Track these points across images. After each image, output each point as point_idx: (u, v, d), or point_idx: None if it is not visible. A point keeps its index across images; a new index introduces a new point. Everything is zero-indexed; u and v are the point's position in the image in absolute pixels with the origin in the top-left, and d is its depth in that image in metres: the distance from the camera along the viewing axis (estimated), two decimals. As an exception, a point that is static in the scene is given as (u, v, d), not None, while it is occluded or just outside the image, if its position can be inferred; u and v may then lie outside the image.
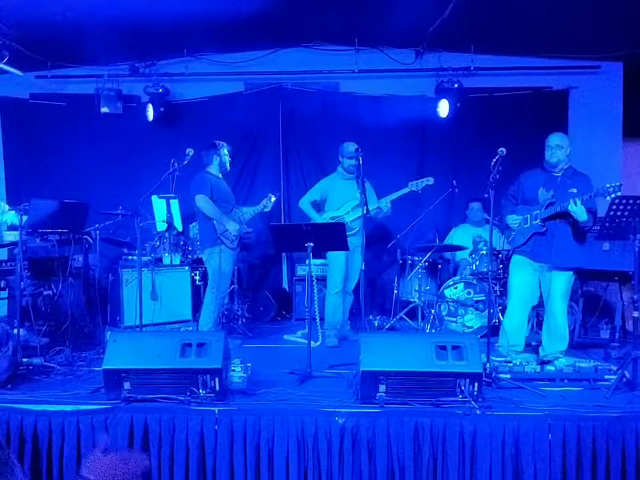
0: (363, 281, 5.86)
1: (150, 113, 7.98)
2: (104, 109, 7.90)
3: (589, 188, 5.27)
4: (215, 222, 6.13)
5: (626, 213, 4.57)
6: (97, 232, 6.31)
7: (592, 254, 6.16)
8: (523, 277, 5.50)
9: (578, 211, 5.06)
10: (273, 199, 6.46)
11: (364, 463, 3.96)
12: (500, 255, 6.70)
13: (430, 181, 6.47)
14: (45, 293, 5.92)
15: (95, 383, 4.59)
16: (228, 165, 6.40)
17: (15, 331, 4.94)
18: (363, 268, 5.80)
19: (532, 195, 5.45)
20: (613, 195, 4.86)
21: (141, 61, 8.11)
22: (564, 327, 5.46)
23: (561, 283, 5.39)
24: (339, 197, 6.51)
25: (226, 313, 6.92)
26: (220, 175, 6.37)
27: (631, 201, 4.54)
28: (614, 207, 4.58)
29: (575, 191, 5.30)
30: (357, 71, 8.06)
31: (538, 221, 5.36)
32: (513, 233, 5.53)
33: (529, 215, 5.43)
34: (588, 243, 6.06)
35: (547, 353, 5.38)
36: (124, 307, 6.64)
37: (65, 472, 4.00)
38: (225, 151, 6.33)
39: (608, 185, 4.91)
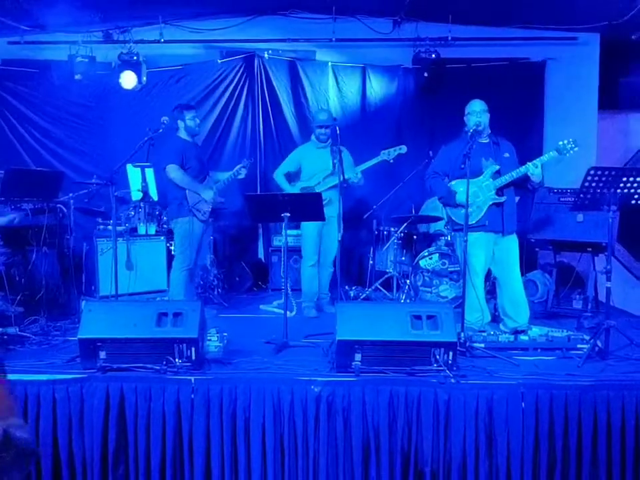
0: (339, 252, 5.87)
1: (130, 80, 7.80)
2: (77, 76, 7.75)
3: (513, 149, 5.46)
4: (187, 192, 6.03)
5: (600, 184, 4.59)
6: (72, 201, 6.23)
7: (566, 225, 6.23)
8: (482, 252, 5.42)
9: (538, 172, 5.17)
10: (244, 170, 6.34)
11: (339, 431, 4.00)
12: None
13: (402, 149, 6.42)
14: (18, 261, 5.85)
15: (70, 352, 4.57)
16: (196, 127, 6.23)
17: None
18: (340, 238, 5.80)
19: (473, 167, 5.11)
20: (571, 152, 5.08)
21: (116, 27, 7.96)
22: (524, 294, 5.53)
23: (515, 248, 5.45)
24: (312, 166, 6.44)
25: (202, 283, 6.90)
26: (190, 139, 6.21)
27: (606, 172, 4.56)
28: (589, 177, 4.61)
29: (507, 155, 5.38)
30: (334, 40, 7.99)
31: (492, 191, 5.34)
32: (463, 210, 5.13)
33: (477, 188, 5.31)
34: (562, 214, 6.15)
35: (519, 323, 5.40)
36: (99, 277, 6.60)
37: (41, 441, 3.99)
38: (190, 115, 6.15)
39: (565, 142, 5.12)
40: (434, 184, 5.61)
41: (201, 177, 6.19)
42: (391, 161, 6.43)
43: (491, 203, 5.35)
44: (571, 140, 5.08)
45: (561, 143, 5.12)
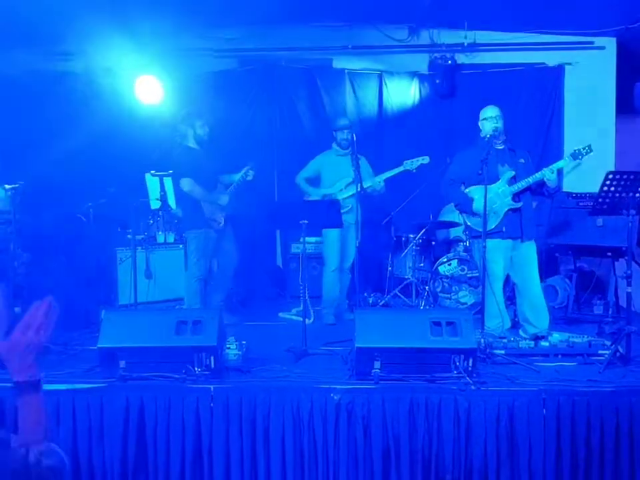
0: (357, 258, 5.86)
1: (150, 90, 7.83)
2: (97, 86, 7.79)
3: (528, 155, 5.44)
4: (202, 202, 6.03)
5: (619, 189, 4.57)
6: (91, 210, 6.28)
7: (586, 230, 6.18)
8: (501, 259, 5.40)
9: (555, 177, 5.15)
10: (252, 172, 6.28)
11: (359, 439, 3.99)
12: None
13: (425, 159, 6.42)
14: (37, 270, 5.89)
15: (90, 361, 4.59)
16: (205, 136, 6.18)
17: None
18: (358, 245, 5.79)
19: (490, 173, 5.11)
20: (586, 156, 5.05)
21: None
22: (544, 299, 5.50)
23: (533, 254, 5.42)
24: (333, 174, 6.47)
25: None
26: (198, 147, 6.16)
27: (624, 177, 4.54)
28: (607, 182, 4.58)
29: (523, 161, 5.35)
30: (350, 47, 8.00)
31: (509, 197, 5.33)
32: (479, 218, 5.19)
33: (493, 195, 5.28)
34: (581, 218, 6.10)
35: (540, 329, 5.35)
36: (118, 286, 6.63)
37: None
38: (200, 123, 6.13)
39: (580, 147, 5.09)
40: (450, 191, 5.62)
41: (212, 184, 6.19)
42: (414, 171, 6.42)
43: (507, 209, 5.33)
44: (586, 145, 5.05)
45: (576, 148, 5.10)
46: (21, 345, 1.79)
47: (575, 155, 5.12)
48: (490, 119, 5.37)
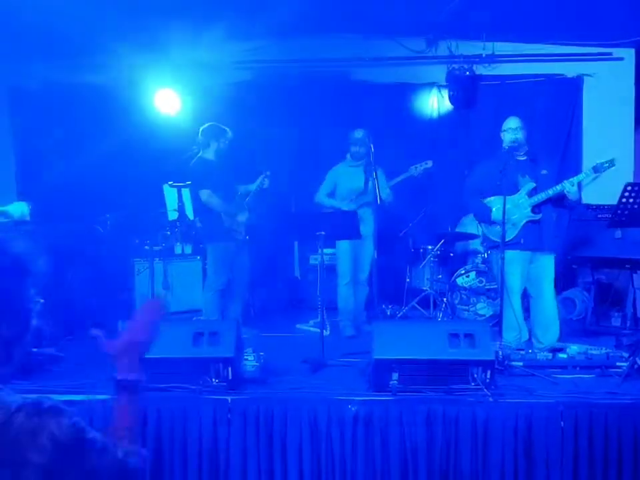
0: (375, 270, 5.85)
1: (170, 102, 7.92)
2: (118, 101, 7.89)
3: (553, 165, 5.41)
4: (222, 215, 6.06)
5: (638, 200, 4.55)
6: (109, 222, 6.33)
7: (604, 242, 6.14)
8: (518, 270, 5.37)
9: (575, 190, 5.09)
10: (267, 180, 6.29)
11: (377, 451, 3.97)
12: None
13: (428, 164, 6.42)
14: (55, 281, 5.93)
15: (107, 372, 4.60)
16: (225, 150, 6.23)
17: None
18: (376, 257, 5.79)
19: (507, 183, 5.13)
20: (608, 170, 4.98)
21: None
22: (556, 315, 5.46)
23: (550, 267, 5.39)
24: (346, 185, 6.47)
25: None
26: (215, 160, 6.18)
27: (643, 189, 4.52)
28: (626, 194, 4.57)
29: (545, 172, 5.31)
30: (368, 58, 8.02)
31: (528, 209, 5.31)
32: (498, 227, 5.22)
33: (512, 206, 5.25)
34: (600, 230, 6.06)
35: (544, 344, 5.32)
36: (136, 297, 6.67)
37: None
38: (224, 139, 6.19)
39: (602, 161, 5.04)
40: (470, 201, 5.62)
41: (230, 195, 6.22)
42: (418, 176, 6.42)
43: (526, 220, 5.31)
44: (609, 159, 5.01)
45: (598, 161, 5.05)
46: (131, 344, 1.80)
47: (597, 169, 5.07)
48: (510, 130, 5.36)
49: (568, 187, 5.08)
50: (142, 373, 1.80)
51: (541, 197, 5.24)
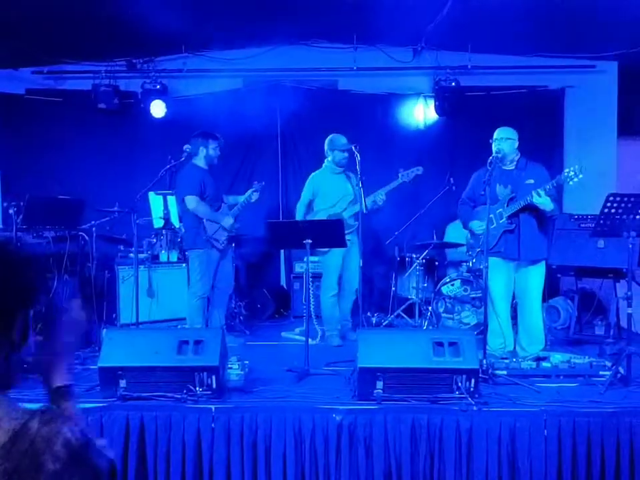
0: (360, 278, 5.87)
1: (158, 110, 7.94)
2: (100, 105, 7.90)
3: (545, 176, 5.34)
4: (205, 222, 6.04)
5: (620, 211, 4.58)
6: (94, 229, 6.30)
7: (587, 251, 6.19)
8: (502, 278, 5.43)
9: (544, 201, 5.09)
10: (256, 194, 6.27)
11: (361, 460, 3.97)
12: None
13: (419, 170, 6.39)
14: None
15: (90, 381, 4.56)
16: (215, 158, 6.24)
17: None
18: (361, 265, 5.79)
19: (491, 194, 5.14)
20: (575, 179, 4.98)
21: (138, 57, 8.10)
22: (541, 325, 5.50)
23: (535, 278, 5.41)
24: (330, 192, 6.42)
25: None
26: (206, 167, 6.20)
27: (625, 199, 4.56)
28: (608, 204, 4.59)
29: (532, 182, 5.30)
30: (355, 68, 8.07)
31: (504, 219, 5.34)
32: (481, 237, 5.36)
33: (492, 216, 5.31)
34: (583, 240, 6.10)
35: (528, 353, 5.35)
36: (120, 305, 6.63)
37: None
38: (214, 145, 6.18)
39: (567, 170, 5.03)
40: (461, 210, 5.73)
41: (217, 204, 6.21)
42: (409, 182, 6.41)
43: (503, 229, 5.35)
44: (576, 167, 5.00)
45: (566, 170, 5.06)
46: (57, 349, 1.81)
47: (560, 180, 5.06)
48: (495, 140, 5.38)
49: (535, 197, 5.09)
50: (71, 378, 1.80)
51: (514, 207, 5.28)
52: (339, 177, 6.44)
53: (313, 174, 6.66)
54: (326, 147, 6.50)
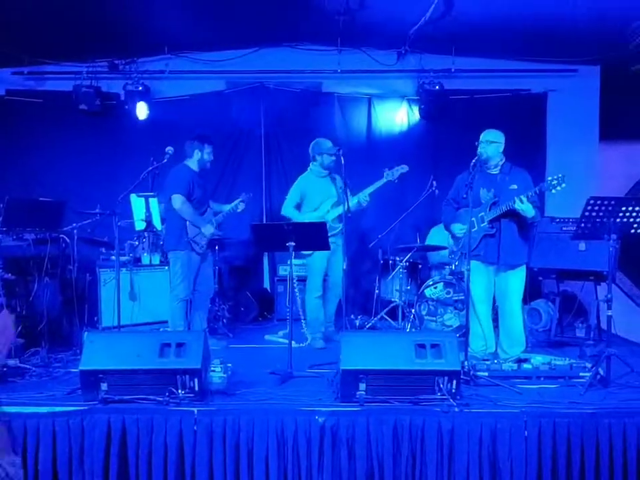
0: (344, 281, 5.87)
1: (142, 111, 7.91)
2: (82, 107, 7.85)
3: (528, 182, 5.35)
4: (187, 223, 6.03)
5: (601, 214, 4.61)
6: (75, 231, 6.25)
7: (569, 254, 6.23)
8: (483, 281, 5.47)
9: (525, 208, 5.10)
10: (243, 204, 6.34)
11: (344, 462, 3.98)
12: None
13: (404, 168, 6.38)
14: (19, 292, 5.84)
15: (71, 384, 4.56)
16: (208, 162, 6.25)
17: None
18: (345, 267, 5.80)
19: (472, 196, 5.18)
20: (558, 188, 5.00)
21: (121, 58, 8.06)
22: (522, 327, 5.52)
23: (514, 282, 5.43)
24: (316, 196, 6.44)
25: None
26: (198, 170, 6.20)
27: (605, 202, 4.59)
28: (589, 207, 4.62)
29: (515, 187, 5.31)
30: (339, 71, 8.08)
31: (485, 223, 5.35)
32: (462, 240, 5.43)
33: (474, 219, 5.36)
34: (564, 242, 6.14)
35: (509, 355, 5.37)
36: (102, 308, 6.59)
37: (41, 475, 3.97)
38: (209, 150, 6.19)
39: (551, 178, 5.05)
40: (444, 211, 5.74)
41: (203, 208, 6.21)
42: (396, 181, 6.41)
43: (484, 233, 5.37)
44: (559, 176, 5.02)
45: (549, 178, 5.09)
46: None
47: (543, 188, 5.09)
48: (480, 143, 5.40)
49: (518, 203, 5.10)
50: None
51: (496, 211, 5.29)
52: (325, 180, 6.46)
53: (300, 177, 6.68)
54: (311, 151, 6.51)
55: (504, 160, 5.49)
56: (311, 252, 6.30)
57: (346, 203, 5.89)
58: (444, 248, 7.11)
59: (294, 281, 6.73)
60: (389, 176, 6.36)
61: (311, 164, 6.56)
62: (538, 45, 7.38)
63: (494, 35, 7.14)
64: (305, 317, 6.55)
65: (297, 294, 6.72)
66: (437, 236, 7.53)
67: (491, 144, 5.39)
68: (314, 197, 6.45)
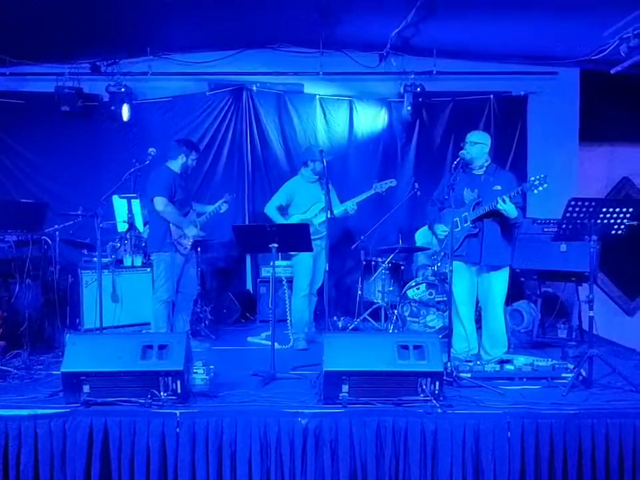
0: (327, 282, 5.88)
1: (125, 113, 7.87)
2: (64, 108, 7.79)
3: (512, 184, 5.36)
4: (170, 225, 6.00)
5: (582, 215, 4.65)
6: (57, 233, 6.21)
7: (550, 255, 6.27)
8: (465, 282, 5.50)
9: (508, 208, 5.12)
10: (226, 205, 6.36)
11: (327, 463, 3.98)
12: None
13: (393, 182, 6.51)
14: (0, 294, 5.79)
15: (53, 386, 4.53)
16: (190, 169, 6.26)
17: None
18: (327, 269, 5.81)
19: (455, 197, 5.27)
20: (540, 188, 5.03)
21: (103, 59, 8.01)
22: (504, 329, 5.55)
23: (497, 284, 5.45)
24: (305, 200, 6.48)
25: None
26: (179, 172, 6.17)
27: (586, 203, 4.62)
28: (570, 208, 4.65)
29: (499, 188, 5.32)
30: (321, 73, 8.08)
31: (468, 223, 5.38)
32: (445, 240, 5.47)
33: (457, 219, 5.40)
34: (546, 244, 6.18)
35: (492, 356, 5.40)
36: (84, 310, 6.56)
37: (22, 477, 3.94)
38: (194, 157, 6.19)
39: (533, 179, 5.08)
40: (428, 210, 5.76)
41: (185, 210, 6.18)
42: (383, 193, 6.50)
43: (466, 233, 5.39)
44: (541, 176, 5.05)
45: (532, 178, 5.11)
46: None
47: (525, 188, 5.12)
48: (465, 144, 5.44)
49: (500, 204, 5.12)
50: None
51: (479, 211, 5.31)
52: (314, 185, 6.50)
53: (290, 180, 6.73)
54: (304, 157, 6.62)
55: (489, 161, 5.52)
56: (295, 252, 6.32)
57: (329, 204, 5.90)
58: (427, 249, 7.15)
59: (283, 282, 6.80)
60: (377, 188, 6.47)
61: (302, 168, 6.60)
62: (518, 47, 7.44)
63: (474, 38, 7.20)
64: (292, 318, 6.56)
65: (286, 295, 6.76)
66: (423, 239, 7.54)
67: (475, 145, 5.42)
68: (303, 200, 6.50)
